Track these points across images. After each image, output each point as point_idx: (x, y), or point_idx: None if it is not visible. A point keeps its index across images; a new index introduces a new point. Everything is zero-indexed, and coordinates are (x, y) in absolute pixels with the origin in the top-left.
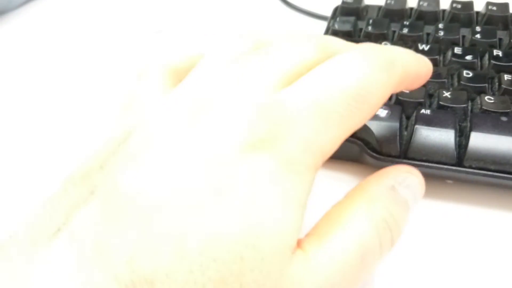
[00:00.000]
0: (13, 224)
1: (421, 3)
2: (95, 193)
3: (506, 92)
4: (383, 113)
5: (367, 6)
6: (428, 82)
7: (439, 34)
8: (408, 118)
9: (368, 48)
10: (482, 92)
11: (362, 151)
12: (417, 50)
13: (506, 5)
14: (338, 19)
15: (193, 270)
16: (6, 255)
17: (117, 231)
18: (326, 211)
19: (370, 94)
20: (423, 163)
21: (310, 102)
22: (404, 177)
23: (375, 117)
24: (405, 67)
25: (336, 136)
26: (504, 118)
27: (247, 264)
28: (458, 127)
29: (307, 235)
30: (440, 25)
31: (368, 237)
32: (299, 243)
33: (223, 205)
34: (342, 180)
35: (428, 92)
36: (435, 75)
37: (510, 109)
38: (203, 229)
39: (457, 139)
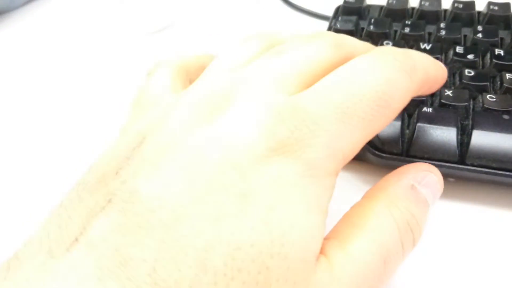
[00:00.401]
0: (27, 233)
1: (422, 2)
2: (112, 201)
3: (507, 90)
4: None
5: (369, 6)
6: None
7: (441, 33)
8: (410, 116)
9: (389, 51)
10: (483, 90)
11: (364, 149)
12: (418, 49)
13: (507, 5)
14: (340, 18)
15: (217, 282)
16: (21, 266)
17: (138, 242)
18: (345, 213)
19: (392, 98)
20: (425, 161)
21: (332, 106)
22: (423, 176)
23: None
24: (426, 72)
25: (357, 140)
26: (506, 116)
27: (272, 274)
28: (460, 125)
29: (327, 239)
30: (442, 25)
31: (390, 239)
32: (321, 249)
33: (246, 214)
34: (344, 179)
35: None
36: None
37: (511, 107)
38: (226, 239)
39: (459, 137)
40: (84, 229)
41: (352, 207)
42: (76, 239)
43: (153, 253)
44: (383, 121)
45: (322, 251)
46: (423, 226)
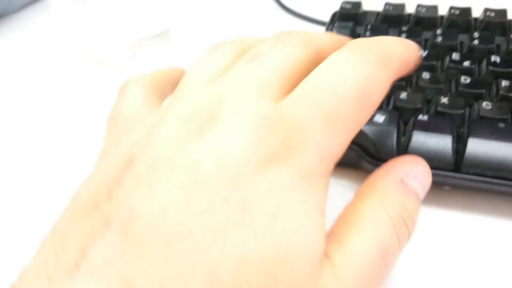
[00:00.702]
0: (21, 262)
1: (419, 9)
2: (110, 224)
3: (504, 98)
4: (380, 118)
5: (366, 12)
6: (426, 88)
7: (437, 40)
8: (405, 123)
9: (361, 44)
10: (480, 98)
11: (359, 156)
12: None
13: (504, 11)
14: (336, 24)
15: None
16: None
17: (142, 262)
18: (340, 214)
19: (373, 93)
20: None
21: (317, 111)
22: (411, 168)
23: (373, 123)
24: (401, 58)
25: (345, 140)
26: (501, 125)
27: (281, 282)
28: (455, 133)
29: (326, 240)
30: (438, 31)
31: (386, 234)
32: None
33: (249, 225)
34: (340, 185)
35: (426, 97)
36: (433, 81)
37: (507, 115)
38: (231, 252)
39: (455, 145)
40: (84, 254)
41: (345, 207)
42: (77, 265)
43: (159, 274)
44: (366, 116)
45: (324, 253)
46: (416, 218)
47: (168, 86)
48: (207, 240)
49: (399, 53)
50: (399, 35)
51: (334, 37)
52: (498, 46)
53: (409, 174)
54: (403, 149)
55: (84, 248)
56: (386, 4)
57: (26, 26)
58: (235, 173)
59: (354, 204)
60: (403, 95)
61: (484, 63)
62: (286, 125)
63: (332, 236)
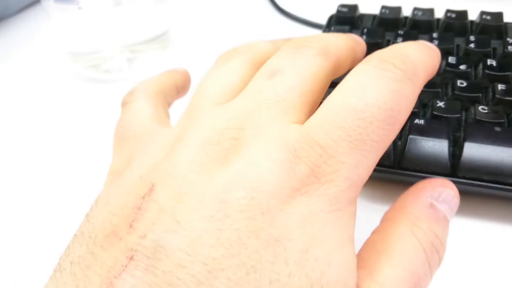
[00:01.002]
0: None
1: (415, 12)
2: (135, 258)
3: (500, 102)
4: None
5: (362, 15)
6: (422, 92)
7: (433, 43)
8: (402, 128)
9: (385, 58)
10: (476, 102)
11: None
12: None
13: (500, 14)
14: (333, 28)
15: None
16: None
17: None
18: (367, 239)
19: (400, 112)
20: (416, 174)
21: (345, 135)
22: (440, 192)
23: None
24: (426, 69)
25: (373, 162)
26: (497, 128)
27: None
28: (452, 137)
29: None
30: (434, 35)
31: (418, 263)
32: None
33: (281, 259)
34: None
35: (422, 101)
36: (429, 84)
37: (503, 119)
38: None
39: (451, 149)
40: None
41: (373, 232)
42: None
43: None
44: (393, 136)
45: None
46: (446, 243)
47: (173, 92)
48: (239, 276)
49: (425, 63)
50: (395, 38)
51: (349, 40)
52: (494, 49)
53: (438, 198)
54: (399, 153)
55: (108, 284)
56: (383, 7)
57: (22, 30)
58: (265, 204)
59: (383, 229)
60: None
61: (480, 66)
62: (314, 153)
63: (362, 264)
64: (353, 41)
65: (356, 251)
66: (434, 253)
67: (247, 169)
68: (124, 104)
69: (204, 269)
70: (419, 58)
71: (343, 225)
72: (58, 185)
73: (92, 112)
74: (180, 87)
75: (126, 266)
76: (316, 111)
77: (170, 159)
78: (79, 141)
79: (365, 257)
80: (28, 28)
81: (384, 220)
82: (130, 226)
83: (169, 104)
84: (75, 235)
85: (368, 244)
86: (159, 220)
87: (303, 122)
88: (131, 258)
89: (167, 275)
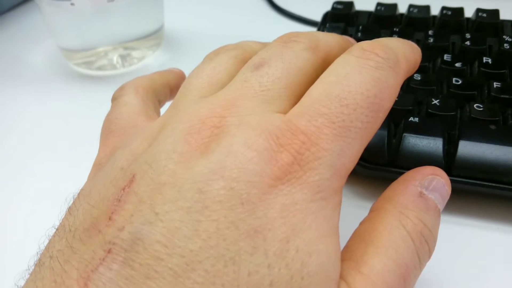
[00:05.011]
0: (18, 282)
1: (411, 9)
2: (113, 251)
3: (495, 99)
4: None
5: (357, 12)
6: (417, 89)
7: (429, 40)
8: (396, 126)
9: (367, 48)
10: (471, 99)
11: None
12: None
13: (496, 12)
14: (328, 25)
15: None
16: None
17: None
18: (355, 230)
19: (383, 99)
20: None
21: (328, 121)
22: (430, 180)
23: None
24: (408, 60)
25: (358, 151)
26: (492, 126)
27: None
28: (446, 135)
29: (342, 261)
30: (430, 32)
31: (406, 254)
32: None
33: (261, 251)
34: None
35: (417, 99)
36: (424, 82)
37: (499, 117)
38: (243, 281)
39: (446, 147)
40: (85, 285)
41: (361, 223)
42: None
43: None
44: (378, 124)
45: (340, 276)
46: (437, 233)
47: (165, 89)
48: (217, 268)
49: (406, 54)
50: (391, 35)
51: (340, 39)
52: (490, 47)
53: (428, 186)
54: (394, 151)
55: (86, 278)
56: (378, 4)
57: (15, 27)
58: (245, 194)
59: (371, 220)
60: None
61: (476, 64)
62: (297, 140)
63: (348, 256)
64: (344, 40)
65: (345, 246)
66: (424, 244)
67: (227, 158)
68: (113, 99)
69: (182, 262)
70: (399, 48)
71: (327, 215)
72: (47, 180)
73: (85, 109)
74: (174, 86)
75: (103, 259)
76: (300, 100)
77: (150, 149)
78: (72, 138)
79: (352, 248)
80: (21, 25)
81: (372, 210)
82: (109, 218)
83: (161, 102)
84: (56, 229)
85: (355, 236)
86: (137, 212)
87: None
88: (109, 251)
89: (145, 268)
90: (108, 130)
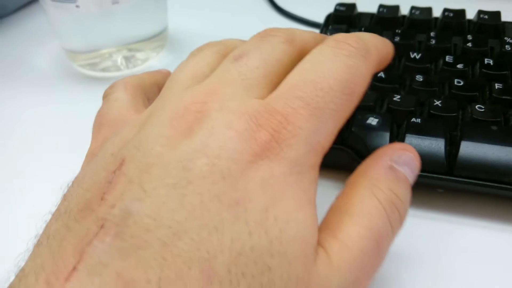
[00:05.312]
0: (17, 266)
1: (413, 11)
2: (105, 226)
3: (496, 101)
4: (374, 121)
5: (360, 14)
6: (419, 91)
7: (431, 42)
8: (399, 126)
9: (340, 38)
10: (473, 100)
11: (353, 159)
12: (408, 58)
13: (498, 14)
14: (330, 27)
15: None
16: None
17: (139, 263)
18: (332, 204)
19: (356, 84)
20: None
21: (303, 103)
22: (400, 155)
23: (366, 126)
24: (378, 51)
25: (332, 130)
26: (494, 127)
27: (275, 273)
28: (448, 135)
29: (320, 231)
30: (432, 34)
31: (378, 221)
32: (317, 241)
33: (242, 220)
34: (333, 188)
35: (419, 100)
36: (427, 83)
37: (500, 118)
38: (226, 247)
39: (447, 148)
40: (81, 257)
41: (337, 197)
42: (75, 268)
43: (157, 272)
44: (351, 107)
45: (318, 243)
46: (408, 203)
47: (154, 88)
48: (202, 237)
49: (377, 46)
50: (393, 37)
51: (316, 34)
52: (491, 48)
53: (397, 160)
54: None
55: (81, 251)
56: (380, 6)
57: (20, 29)
58: (226, 170)
59: (345, 193)
60: (397, 97)
61: (478, 65)
62: (274, 120)
63: (325, 226)
64: (320, 36)
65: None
66: (395, 211)
67: (209, 138)
68: (104, 96)
69: (169, 232)
70: (371, 41)
71: (304, 187)
72: (50, 181)
73: (89, 110)
74: (161, 85)
75: (97, 234)
76: (277, 87)
77: (138, 136)
78: (76, 139)
79: (328, 219)
80: (26, 27)
81: (347, 185)
82: (102, 198)
83: (149, 99)
84: (52, 213)
85: (332, 208)
86: (127, 191)
87: None
88: (102, 226)
89: (135, 239)
90: (100, 123)
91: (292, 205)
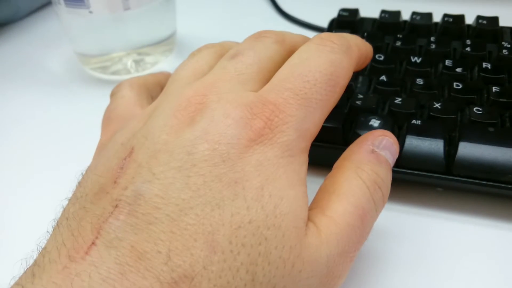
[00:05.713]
0: (40, 243)
1: (414, 16)
2: (119, 206)
3: (494, 103)
4: (376, 123)
5: (362, 19)
6: (419, 94)
7: (431, 46)
8: (400, 128)
9: (325, 36)
10: (471, 103)
11: None
12: (409, 62)
13: (496, 19)
14: (334, 31)
15: (226, 259)
16: (45, 272)
17: (150, 237)
18: (320, 186)
19: (339, 77)
20: (414, 172)
21: (293, 94)
22: (380, 140)
23: (368, 127)
24: (359, 49)
25: (318, 118)
26: (491, 129)
27: (271, 243)
28: (447, 137)
29: (311, 209)
30: (432, 38)
31: (363, 198)
32: (308, 217)
33: (241, 197)
34: None
35: (420, 103)
36: (427, 86)
37: (497, 120)
38: (227, 220)
39: (446, 148)
40: (99, 233)
41: (325, 179)
42: (93, 243)
43: (166, 244)
44: (336, 98)
45: (309, 219)
46: (389, 183)
47: (157, 87)
48: (205, 212)
49: (358, 44)
50: (394, 42)
51: (304, 37)
52: (489, 53)
53: (378, 145)
54: None
55: (98, 228)
56: (382, 11)
57: (32, 33)
58: (226, 153)
59: (332, 175)
60: (398, 100)
61: (476, 69)
62: (267, 109)
63: (315, 204)
64: (307, 38)
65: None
66: (377, 190)
67: (209, 126)
68: (112, 94)
69: (176, 209)
70: (352, 39)
71: (295, 169)
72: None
73: (100, 111)
74: (163, 84)
75: (112, 213)
76: (270, 81)
77: (146, 126)
78: (87, 141)
79: (317, 199)
80: (38, 30)
81: (334, 168)
82: (115, 182)
83: (153, 98)
84: (69, 199)
85: (321, 189)
86: (138, 174)
87: None
88: (116, 206)
89: (146, 216)
90: (108, 118)
91: (285, 184)
